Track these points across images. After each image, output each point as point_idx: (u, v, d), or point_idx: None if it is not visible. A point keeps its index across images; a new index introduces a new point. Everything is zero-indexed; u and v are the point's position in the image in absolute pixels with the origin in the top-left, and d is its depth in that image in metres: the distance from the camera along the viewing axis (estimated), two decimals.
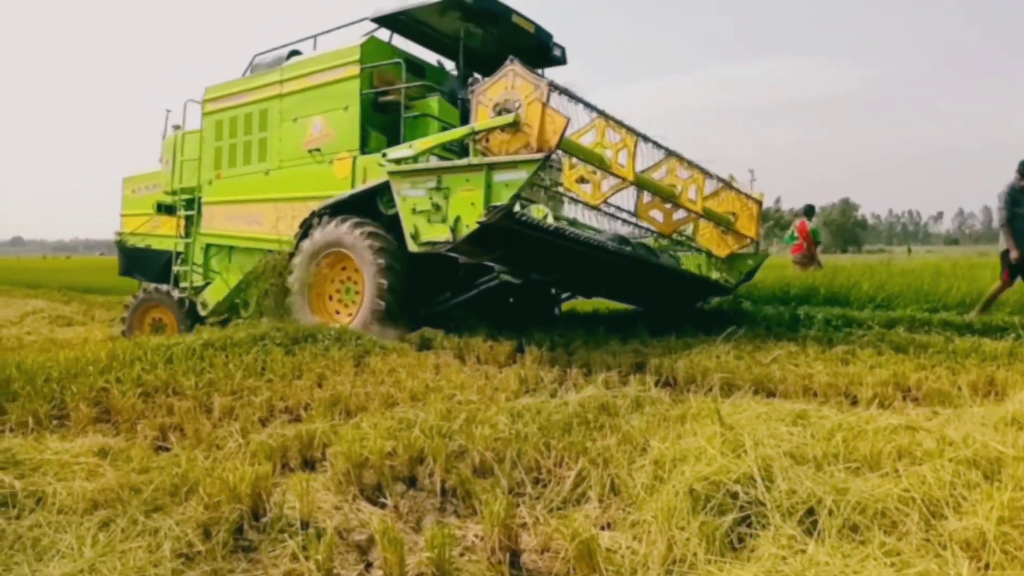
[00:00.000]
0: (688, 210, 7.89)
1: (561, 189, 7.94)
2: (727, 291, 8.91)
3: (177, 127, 10.82)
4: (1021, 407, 3.58)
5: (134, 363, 5.15)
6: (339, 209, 7.80)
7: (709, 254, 8.72)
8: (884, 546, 2.18)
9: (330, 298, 7.92)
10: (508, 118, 6.04)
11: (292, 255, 8.28)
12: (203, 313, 9.80)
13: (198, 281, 10.17)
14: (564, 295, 9.77)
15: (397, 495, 3.03)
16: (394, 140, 7.80)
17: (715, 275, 8.73)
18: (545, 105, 5.92)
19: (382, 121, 8.24)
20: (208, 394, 4.59)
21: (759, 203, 8.54)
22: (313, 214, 8.01)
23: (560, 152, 6.55)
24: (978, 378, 4.73)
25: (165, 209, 10.70)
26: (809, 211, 14.26)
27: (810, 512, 2.42)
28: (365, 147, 8.02)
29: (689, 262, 8.90)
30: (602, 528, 2.67)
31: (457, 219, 6.24)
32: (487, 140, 6.32)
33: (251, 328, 6.71)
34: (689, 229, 8.65)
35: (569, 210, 8.18)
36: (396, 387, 4.84)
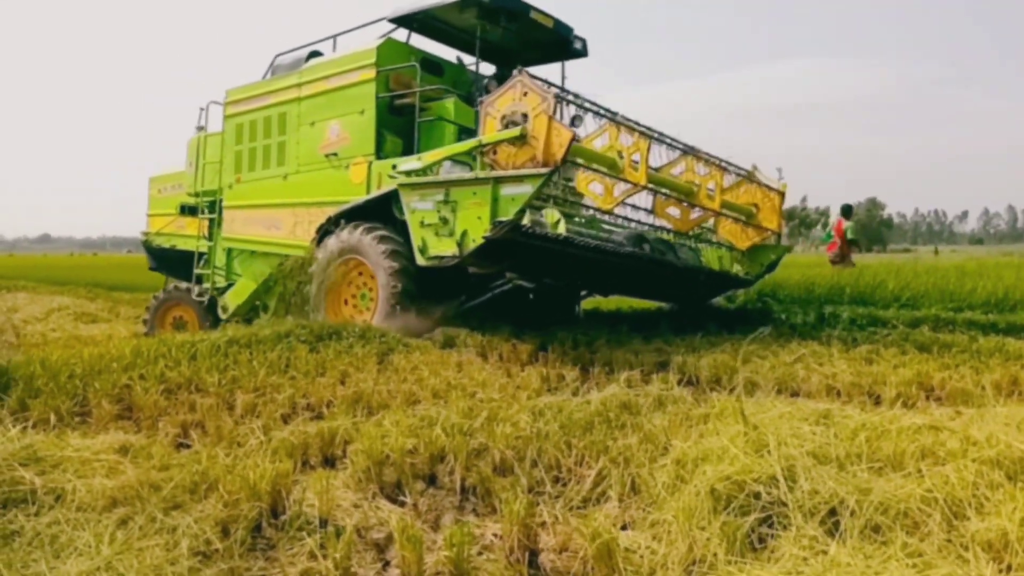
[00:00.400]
0: (706, 208, 7.80)
1: (574, 192, 7.86)
2: (748, 284, 8.77)
3: (200, 128, 10.90)
4: None
5: (158, 360, 5.20)
6: (355, 215, 7.75)
7: (730, 247, 8.60)
8: (906, 547, 2.14)
9: (345, 303, 7.90)
10: (515, 131, 5.98)
11: (307, 262, 8.27)
12: (224, 316, 9.83)
13: (220, 283, 10.23)
14: (584, 292, 9.71)
15: (416, 493, 3.03)
16: (410, 144, 7.80)
17: (736, 269, 8.59)
18: (551, 118, 5.89)
19: (399, 124, 8.19)
20: (231, 391, 4.62)
21: (782, 194, 8.38)
22: (329, 220, 7.99)
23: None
24: (1002, 378, 4.65)
25: (188, 210, 10.79)
26: (846, 211, 14.32)
27: (832, 512, 2.39)
28: (381, 152, 8.01)
29: (710, 256, 8.70)
30: (622, 528, 2.65)
31: (464, 233, 6.26)
32: (495, 152, 6.26)
33: (276, 325, 6.76)
34: (710, 222, 8.52)
35: (587, 208, 8.11)
36: (418, 385, 4.85)
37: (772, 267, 8.76)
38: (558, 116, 6.08)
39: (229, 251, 10.18)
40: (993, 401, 3.91)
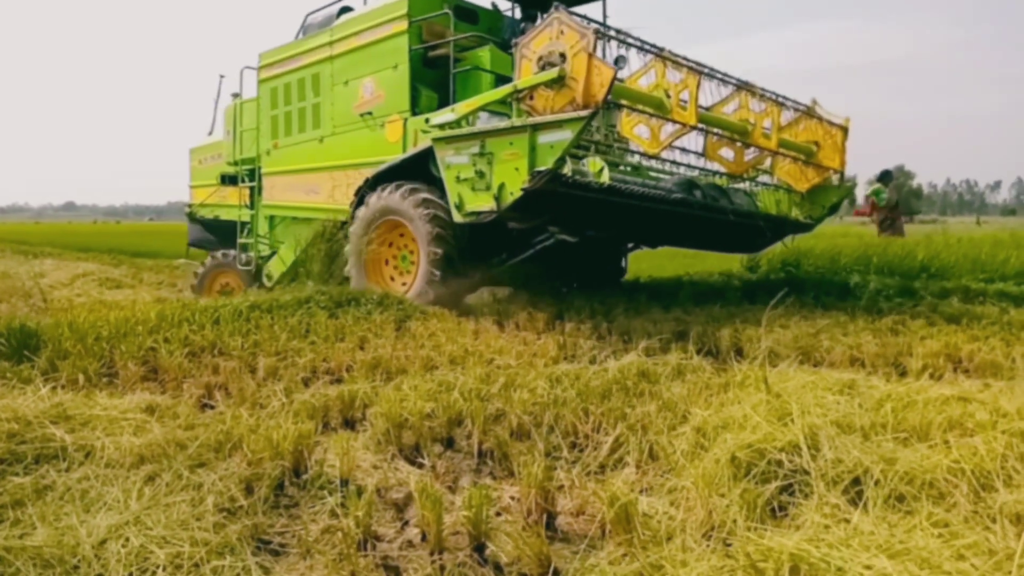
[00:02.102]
0: (762, 148, 7.25)
1: (618, 137, 7.41)
2: (808, 228, 8.31)
3: (236, 95, 10.73)
4: None
5: (182, 324, 5.26)
6: (392, 175, 7.44)
7: (788, 189, 8.08)
8: (931, 517, 2.12)
9: (386, 263, 7.66)
10: (552, 73, 5.57)
11: (344, 224, 8.14)
12: (268, 284, 9.57)
13: (264, 251, 10.08)
14: (630, 245, 9.20)
15: (435, 456, 3.05)
16: (446, 97, 7.44)
17: (795, 212, 8.09)
18: (591, 56, 5.43)
19: (434, 78, 7.83)
20: (253, 355, 4.67)
21: (845, 130, 7.83)
22: (366, 182, 7.71)
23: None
24: None
25: (228, 180, 10.65)
26: (885, 176, 13.73)
27: (856, 482, 2.37)
28: (416, 107, 7.68)
29: (766, 200, 8.17)
30: (639, 493, 2.65)
31: (501, 186, 5.94)
32: (531, 98, 5.85)
33: (296, 291, 6.80)
34: (766, 163, 7.95)
35: (633, 154, 7.65)
36: (436, 351, 4.86)
37: (834, 209, 8.26)
38: (599, 54, 5.61)
39: (271, 219, 10.03)
40: None
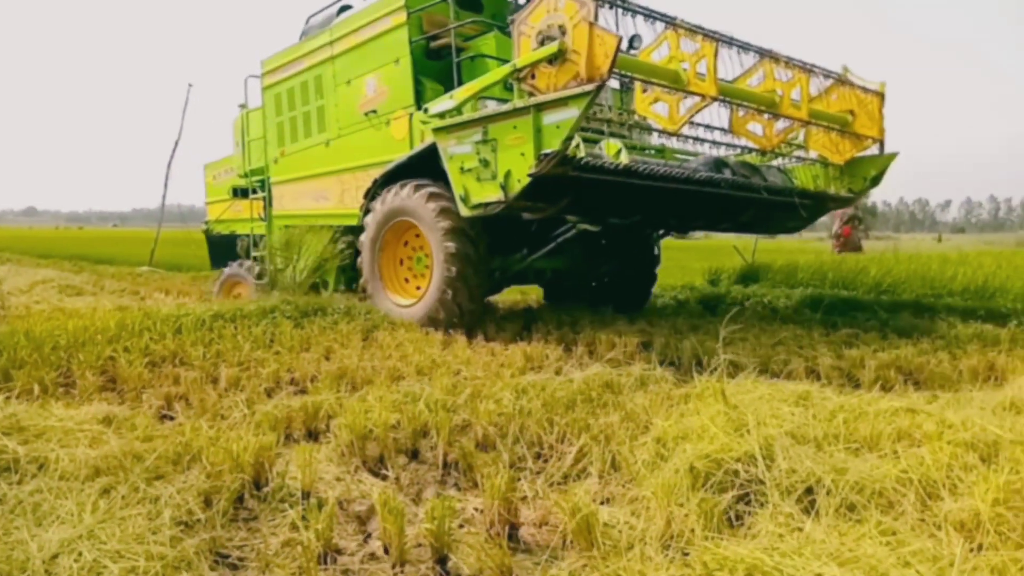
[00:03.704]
0: (792, 118, 6.75)
1: (635, 117, 6.89)
2: (849, 202, 7.87)
3: (242, 106, 10.47)
4: (1020, 392, 3.58)
5: (142, 333, 5.20)
6: (400, 174, 7.06)
7: (824, 162, 7.62)
8: (880, 525, 2.19)
9: (400, 263, 7.27)
10: (551, 47, 5.15)
11: (343, 231, 8.00)
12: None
13: (281, 264, 9.63)
14: (660, 232, 8.61)
15: (399, 467, 3.05)
16: (451, 89, 6.91)
17: (834, 186, 7.65)
18: (593, 25, 5.00)
19: (438, 69, 7.45)
20: (215, 365, 4.63)
21: (881, 96, 7.40)
22: (375, 183, 7.37)
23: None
24: (979, 363, 4.71)
25: (240, 192, 10.34)
26: None
27: (809, 491, 2.43)
28: (421, 101, 7.17)
29: (802, 175, 7.72)
30: (601, 503, 2.69)
31: (507, 174, 5.52)
32: (533, 77, 5.40)
33: (261, 301, 6.75)
34: (799, 137, 7.45)
35: (656, 136, 6.96)
36: (403, 361, 4.87)
37: (876, 180, 7.68)
38: (606, 26, 5.14)
39: (285, 230, 9.53)
40: (969, 386, 3.98)
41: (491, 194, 5.69)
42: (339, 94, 8.33)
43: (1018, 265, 9.86)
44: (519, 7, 7.75)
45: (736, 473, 2.53)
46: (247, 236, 10.85)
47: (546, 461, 3.10)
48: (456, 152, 5.98)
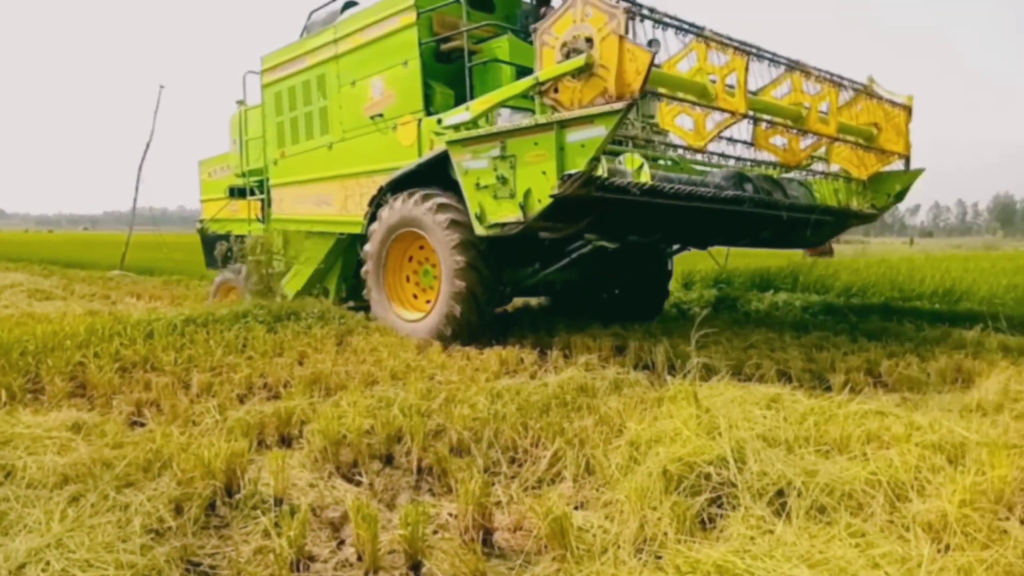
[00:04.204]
0: (820, 134, 6.46)
1: (659, 132, 6.58)
2: (872, 219, 7.66)
3: (240, 102, 10.09)
4: (986, 394, 3.65)
5: (113, 338, 5.14)
6: (407, 181, 6.76)
7: (847, 177, 7.36)
8: (850, 527, 2.22)
9: (407, 279, 6.96)
10: (577, 61, 4.87)
11: (345, 239, 7.84)
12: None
13: (280, 268, 9.29)
14: (675, 247, 8.29)
15: (373, 473, 3.04)
16: (462, 94, 6.78)
17: (856, 202, 7.39)
18: (623, 38, 4.73)
19: (448, 73, 7.13)
20: (187, 370, 4.58)
21: (908, 110, 7.18)
22: (380, 190, 7.08)
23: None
24: (946, 366, 4.80)
25: (237, 193, 10.00)
26: None
27: (780, 493, 2.46)
28: (431, 106, 6.95)
29: (824, 190, 7.39)
30: (575, 507, 2.69)
31: (527, 193, 5.26)
32: (556, 90, 5.13)
33: (234, 305, 6.69)
34: (821, 150, 7.09)
35: (673, 148, 6.67)
36: (377, 366, 4.85)
37: (901, 196, 7.46)
38: (631, 37, 4.91)
39: (284, 233, 9.26)
40: (937, 388, 4.05)
41: (509, 213, 5.44)
42: (343, 95, 7.97)
43: (984, 269, 10.06)
44: (533, 8, 7.63)
45: (708, 476, 2.55)
46: (225, 239, 10.65)
47: (521, 466, 3.11)
48: (472, 167, 5.72)
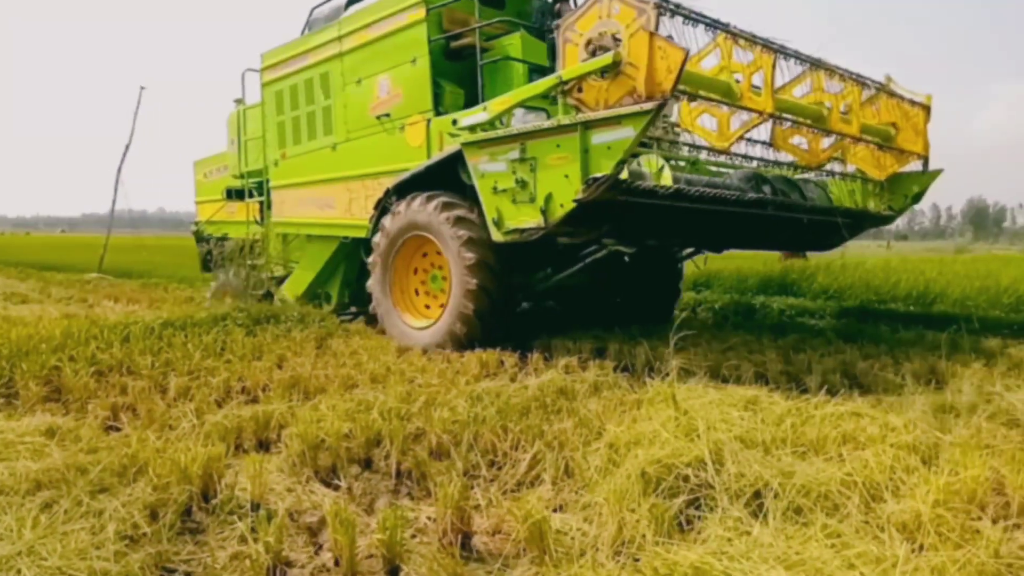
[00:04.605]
0: (843, 134, 6.26)
1: (677, 131, 6.32)
2: (888, 221, 7.53)
3: (238, 101, 9.79)
4: (959, 395, 3.70)
5: (89, 342, 5.08)
6: (415, 184, 6.51)
7: (864, 178, 7.14)
8: (826, 528, 2.24)
9: (416, 293, 6.71)
10: (605, 58, 4.65)
11: (348, 243, 7.65)
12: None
13: (278, 272, 9.11)
14: (687, 251, 8.00)
15: (351, 477, 3.02)
16: (473, 93, 6.57)
17: (873, 203, 7.23)
18: (654, 35, 4.52)
19: (458, 71, 6.91)
20: (164, 374, 4.54)
21: (927, 109, 7.00)
22: (387, 193, 6.82)
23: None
24: (920, 367, 4.85)
25: (235, 194, 9.74)
26: None
27: (757, 495, 2.48)
28: (440, 106, 6.72)
29: (839, 191, 7.20)
30: (554, 510, 2.70)
31: (548, 197, 5.06)
32: (579, 90, 4.92)
33: (213, 308, 6.64)
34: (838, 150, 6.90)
35: (688, 148, 6.23)
36: (357, 369, 4.83)
37: (918, 198, 7.30)
38: (662, 32, 4.67)
39: (284, 236, 9.06)
40: (912, 389, 4.09)
41: (529, 219, 5.22)
42: (348, 94, 7.69)
43: (957, 272, 10.19)
44: (545, 4, 7.44)
45: (687, 478, 2.56)
46: (206, 242, 10.49)
47: (500, 469, 3.11)
48: (488, 170, 5.50)
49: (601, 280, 7.30)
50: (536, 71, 6.38)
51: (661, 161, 5.22)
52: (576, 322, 7.18)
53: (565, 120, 4.95)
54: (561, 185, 4.96)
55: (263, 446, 3.42)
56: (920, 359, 5.10)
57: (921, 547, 2.19)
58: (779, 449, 2.78)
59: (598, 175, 4.69)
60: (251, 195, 9.49)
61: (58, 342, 4.93)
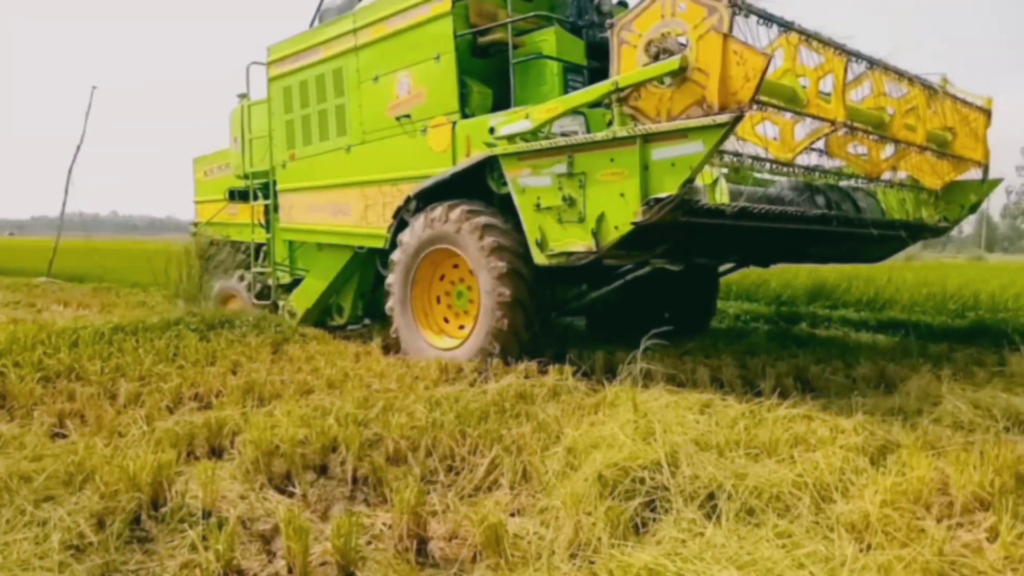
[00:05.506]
0: (908, 143, 5.71)
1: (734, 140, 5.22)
2: (942, 232, 6.98)
3: (242, 96, 9.14)
4: (907, 399, 3.80)
5: (35, 347, 4.96)
6: (439, 192, 5.99)
7: (917, 187, 6.49)
8: (777, 528, 2.28)
9: (438, 300, 6.16)
10: (671, 63, 4.15)
11: (363, 253, 7.18)
12: (292, 323, 7.71)
13: (285, 280, 8.51)
14: (725, 266, 7.31)
15: (307, 484, 2.99)
16: (504, 94, 6.00)
17: (925, 214, 6.61)
18: (728, 37, 4.01)
19: (485, 69, 6.33)
20: (114, 380, 4.45)
21: (987, 113, 6.48)
22: (407, 201, 6.28)
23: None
24: (871, 371, 4.98)
25: (239, 196, 9.10)
26: None
27: (711, 496, 2.51)
28: (466, 107, 6.12)
29: (890, 201, 6.47)
30: (511, 515, 2.70)
31: (600, 218, 4.56)
32: (638, 97, 4.44)
33: (165, 313, 6.52)
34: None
35: (733, 155, 5.44)
36: (313, 375, 4.78)
37: (974, 208, 6.81)
38: (736, 34, 4.13)
39: (291, 243, 8.44)
40: (862, 392, 4.19)
41: (578, 241, 4.72)
42: (364, 92, 7.06)
43: (906, 279, 10.46)
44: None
45: (643, 480, 2.59)
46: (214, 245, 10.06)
47: (458, 474, 3.10)
48: (530, 184, 5.00)
49: (635, 297, 6.82)
50: (571, 70, 5.99)
51: (716, 173, 4.75)
52: (603, 338, 6.84)
53: (622, 132, 4.42)
54: (616, 204, 4.48)
55: (216, 453, 3.36)
56: (870, 363, 5.22)
57: (869, 546, 2.23)
58: (733, 451, 2.82)
59: (661, 195, 4.22)
60: (255, 197, 8.87)
61: (3, 347, 4.81)
